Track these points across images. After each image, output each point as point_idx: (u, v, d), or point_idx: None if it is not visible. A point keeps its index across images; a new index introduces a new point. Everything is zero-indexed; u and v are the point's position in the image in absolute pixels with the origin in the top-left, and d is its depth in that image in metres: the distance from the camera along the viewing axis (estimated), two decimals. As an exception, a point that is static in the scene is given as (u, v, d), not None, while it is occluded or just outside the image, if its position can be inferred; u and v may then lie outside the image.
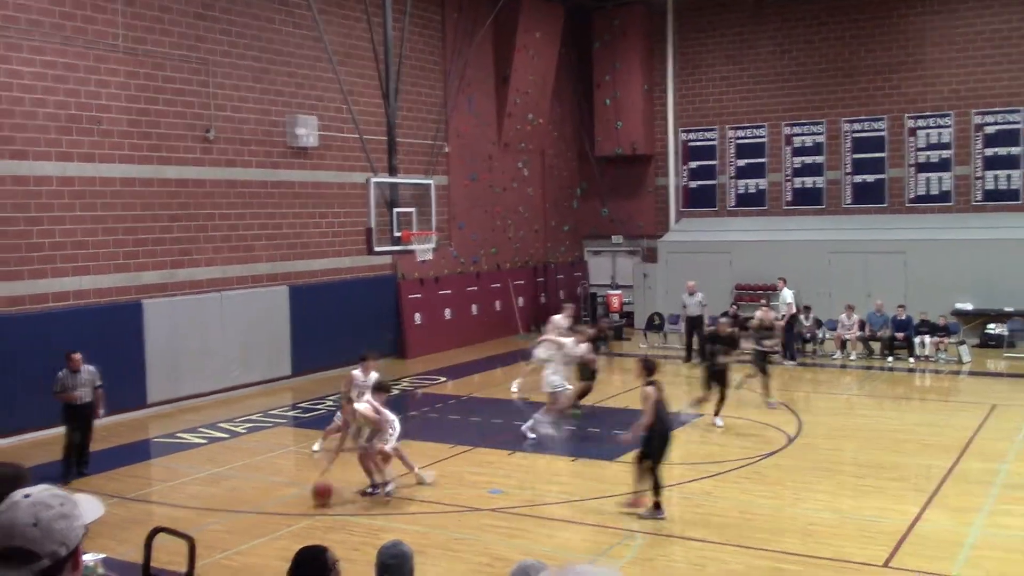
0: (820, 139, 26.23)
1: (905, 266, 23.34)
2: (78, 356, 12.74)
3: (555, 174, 28.23)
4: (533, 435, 14.44)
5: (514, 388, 17.86)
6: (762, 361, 16.92)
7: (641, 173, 28.46)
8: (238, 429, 15.54)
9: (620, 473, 12.74)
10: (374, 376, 12.96)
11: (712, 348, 15.63)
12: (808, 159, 26.42)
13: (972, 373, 19.72)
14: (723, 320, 16.39)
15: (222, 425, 15.80)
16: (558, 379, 14.76)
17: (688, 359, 21.58)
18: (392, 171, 18.80)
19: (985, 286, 22.22)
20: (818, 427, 15.16)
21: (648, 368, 11.06)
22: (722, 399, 15.27)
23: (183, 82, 17.47)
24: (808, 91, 26.16)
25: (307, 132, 19.71)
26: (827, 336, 22.37)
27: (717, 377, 15.30)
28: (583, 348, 15.52)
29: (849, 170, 25.91)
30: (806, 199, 26.42)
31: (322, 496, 11.36)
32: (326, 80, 19.83)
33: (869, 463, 12.99)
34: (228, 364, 18.10)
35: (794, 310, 21.62)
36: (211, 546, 9.71)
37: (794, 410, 16.38)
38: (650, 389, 10.81)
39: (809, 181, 26.44)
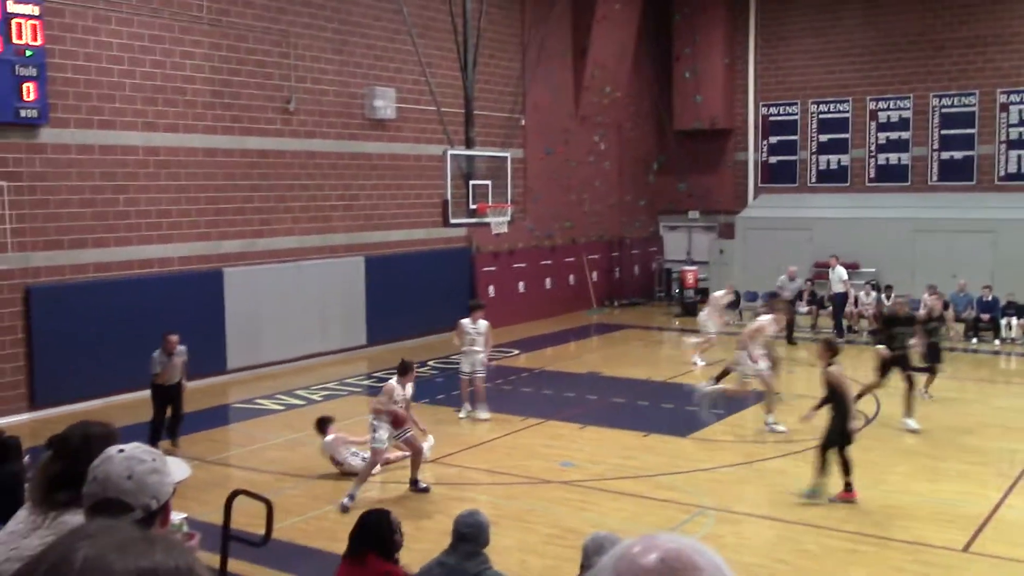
0: (906, 114, 25.52)
1: (993, 246, 22.65)
2: (175, 338, 12.43)
3: (632, 148, 27.98)
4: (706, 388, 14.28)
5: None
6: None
7: (720, 148, 28.05)
8: (314, 396, 15.81)
9: (692, 449, 12.68)
10: (483, 324, 14.01)
11: (896, 331, 14.29)
12: (893, 135, 25.74)
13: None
14: (900, 299, 15.83)
15: (299, 392, 16.09)
16: (763, 365, 13.70)
17: (790, 341, 21.34)
18: (469, 144, 18.82)
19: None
20: (897, 409, 14.84)
21: (832, 349, 10.77)
22: (911, 387, 13.77)
23: (264, 54, 17.70)
24: (895, 65, 25.45)
25: (385, 104, 19.84)
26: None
27: (900, 362, 14.02)
28: (773, 329, 14.52)
29: (936, 146, 25.18)
30: (890, 176, 25.77)
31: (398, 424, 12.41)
32: (404, 52, 19.90)
33: (950, 446, 12.70)
34: (305, 332, 18.41)
35: (848, 288, 21.34)
36: (287, 510, 9.92)
37: (873, 391, 16.04)
38: (835, 370, 10.47)
39: (894, 157, 25.77)
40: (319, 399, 15.65)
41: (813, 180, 26.86)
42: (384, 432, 10.48)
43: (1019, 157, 24.15)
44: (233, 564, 7.27)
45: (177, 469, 3.14)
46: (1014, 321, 20.49)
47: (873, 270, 23.50)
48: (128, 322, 15.33)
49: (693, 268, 25.86)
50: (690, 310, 24.87)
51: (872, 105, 25.92)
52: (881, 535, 9.36)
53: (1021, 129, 24.08)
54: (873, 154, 26.00)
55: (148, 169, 15.98)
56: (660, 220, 29.31)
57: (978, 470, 11.55)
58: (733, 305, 18.78)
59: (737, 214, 27.12)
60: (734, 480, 11.46)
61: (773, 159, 27.46)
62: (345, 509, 10.04)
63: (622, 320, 24.49)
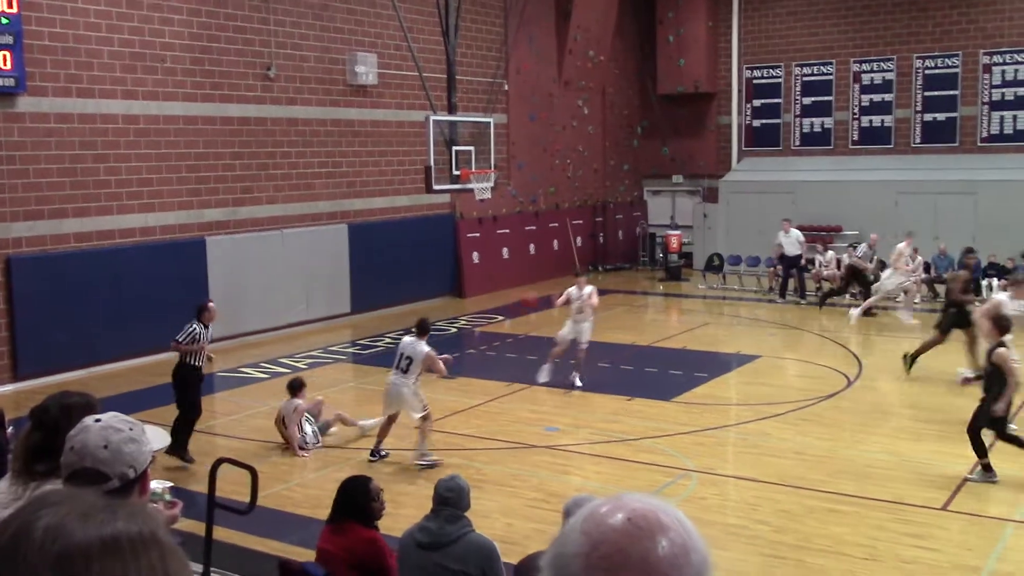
0: (890, 76, 25.52)
1: (975, 207, 22.76)
2: (214, 306, 11.24)
3: (615, 112, 27.90)
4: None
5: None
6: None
7: (703, 111, 28.01)
8: (299, 364, 15.82)
9: (675, 412, 12.78)
10: (588, 289, 14.10)
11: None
12: (876, 97, 25.75)
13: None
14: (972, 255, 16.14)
15: (283, 360, 16.10)
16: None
17: (783, 297, 21.47)
18: (451, 109, 18.76)
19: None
20: (879, 370, 14.99)
21: (1001, 327, 9.99)
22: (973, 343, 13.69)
23: (244, 20, 17.52)
24: (878, 26, 25.41)
25: (367, 70, 19.70)
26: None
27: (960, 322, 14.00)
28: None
29: (919, 108, 25.22)
30: (873, 138, 25.81)
31: (529, 303, 13.36)
32: (385, 17, 19.74)
33: (930, 407, 12.84)
34: (289, 301, 18.39)
35: (791, 251, 21.45)
36: (273, 477, 9.97)
37: (854, 352, 16.19)
38: (1004, 352, 9.76)
39: (877, 120, 25.79)
40: (304, 367, 15.66)
41: (797, 143, 26.88)
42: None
43: (1001, 118, 24.21)
44: (219, 532, 7.33)
45: (157, 438, 3.15)
46: (995, 282, 20.62)
47: (856, 233, 23.59)
48: (110, 292, 15.29)
49: (677, 232, 25.90)
50: (674, 274, 24.96)
51: (855, 67, 25.90)
52: (861, 495, 9.48)
53: (1004, 90, 24.12)
54: (856, 117, 26.01)
55: (128, 138, 15.85)
56: (644, 185, 29.30)
57: (957, 430, 11.62)
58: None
59: (721, 178, 27.14)
60: (717, 443, 11.58)
61: (757, 122, 27.44)
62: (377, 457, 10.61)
63: (606, 285, 24.52)
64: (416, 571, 5.00)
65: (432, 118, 16.93)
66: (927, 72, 25.03)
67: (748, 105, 27.48)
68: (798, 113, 26.83)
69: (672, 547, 1.38)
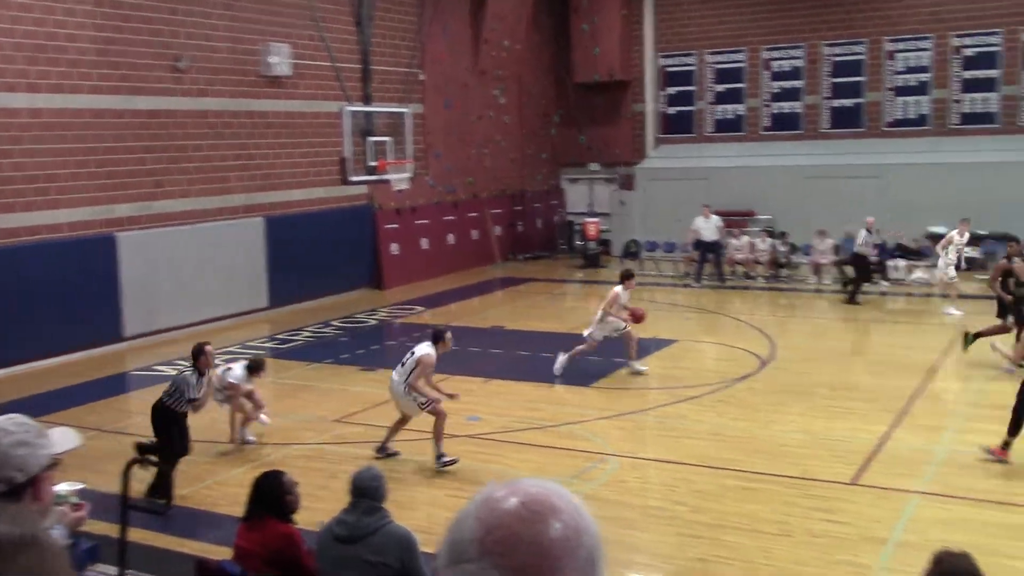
0: (799, 63, 26.08)
1: (881, 190, 23.41)
2: (211, 349, 9.99)
3: (532, 101, 28.00)
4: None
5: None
6: None
7: (618, 99, 28.27)
8: (215, 361, 15.55)
9: (596, 398, 12.93)
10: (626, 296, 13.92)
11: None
12: (786, 84, 26.30)
13: (943, 296, 19.88)
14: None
15: (200, 357, 15.81)
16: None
17: (698, 281, 21.78)
18: (366, 99, 18.64)
19: (960, 209, 22.27)
20: (792, 351, 15.35)
21: None
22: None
23: (150, 9, 17.13)
24: (787, 15, 25.93)
25: (280, 60, 19.43)
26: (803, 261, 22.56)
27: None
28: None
29: (827, 94, 25.83)
30: (784, 124, 26.36)
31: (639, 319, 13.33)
32: (298, 7, 19.49)
33: (841, 385, 13.20)
34: (204, 296, 18.09)
35: (708, 236, 21.80)
36: (191, 476, 9.83)
37: (768, 334, 16.55)
38: None
39: (787, 106, 26.35)
40: (220, 363, 15.41)
41: (710, 130, 27.31)
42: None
43: (905, 103, 24.93)
44: (135, 533, 7.22)
45: (63, 440, 3.10)
46: (901, 263, 21.28)
47: (769, 217, 24.09)
48: (17, 292, 14.85)
49: (595, 220, 26.15)
50: (593, 261, 25.19)
51: (766, 55, 26.40)
52: (774, 472, 9.73)
53: (907, 76, 24.84)
54: (767, 103, 26.53)
55: (32, 132, 15.39)
56: (562, 173, 29.48)
57: (867, 407, 12.03)
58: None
59: (637, 165, 27.45)
60: (635, 426, 11.76)
61: (671, 110, 27.80)
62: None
63: (526, 273, 24.68)
64: (335, 564, 4.99)
65: (347, 109, 16.80)
66: (834, 59, 25.64)
67: (662, 93, 27.82)
68: (711, 100, 27.25)
69: (565, 530, 1.42)
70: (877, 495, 9.18)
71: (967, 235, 18.29)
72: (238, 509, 8.21)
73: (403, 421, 10.48)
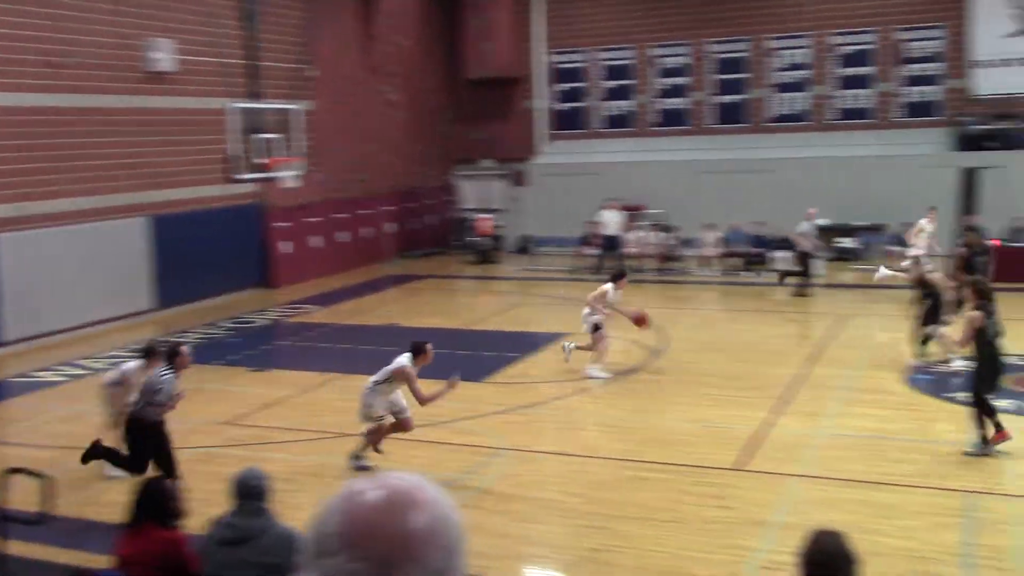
0: (685, 61, 26.64)
1: (764, 184, 24.09)
2: (187, 350, 9.35)
3: (424, 98, 27.91)
4: None
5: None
6: None
7: (510, 96, 28.41)
8: (99, 365, 15.12)
9: (488, 392, 12.99)
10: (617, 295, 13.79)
11: (980, 260, 15.10)
12: (673, 81, 26.84)
13: (825, 285, 20.60)
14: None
15: (82, 362, 15.36)
16: None
17: (598, 274, 21.97)
18: (254, 96, 18.34)
19: (839, 202, 23.13)
20: (681, 342, 15.69)
21: (981, 292, 10.01)
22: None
23: (26, 2, 16.49)
24: (673, 13, 26.45)
25: (164, 56, 18.93)
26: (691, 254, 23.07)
27: None
28: None
29: (713, 91, 26.45)
30: (672, 120, 26.89)
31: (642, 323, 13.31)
32: (183, 1, 19.01)
33: (728, 374, 13.54)
34: (88, 299, 17.53)
35: (613, 231, 22.18)
36: (72, 486, 9.52)
37: (658, 326, 16.86)
38: (979, 315, 9.77)
39: (675, 103, 26.89)
40: (105, 367, 14.98)
41: (601, 126, 27.67)
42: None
43: (786, 100, 25.72)
44: (15, 546, 6.98)
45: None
46: (784, 254, 21.91)
47: (661, 211, 24.54)
48: None
49: (487, 216, 26.25)
50: (486, 257, 25.29)
51: (652, 52, 26.89)
52: (665, 461, 9.94)
53: (788, 73, 25.63)
54: (655, 100, 27.02)
55: None
56: (455, 169, 29.47)
57: (752, 394, 12.38)
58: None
59: (529, 161, 27.64)
60: (529, 420, 11.85)
61: (563, 106, 28.08)
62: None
63: (419, 271, 24.63)
64: (221, 569, 4.91)
65: (234, 105, 16.49)
66: (718, 56, 26.27)
67: (554, 89, 28.07)
68: (601, 97, 27.62)
69: (426, 521, 1.46)
70: (762, 480, 9.47)
71: (936, 224, 18.79)
72: (121, 517, 8.02)
73: (393, 427, 10.03)
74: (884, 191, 22.48)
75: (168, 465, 8.88)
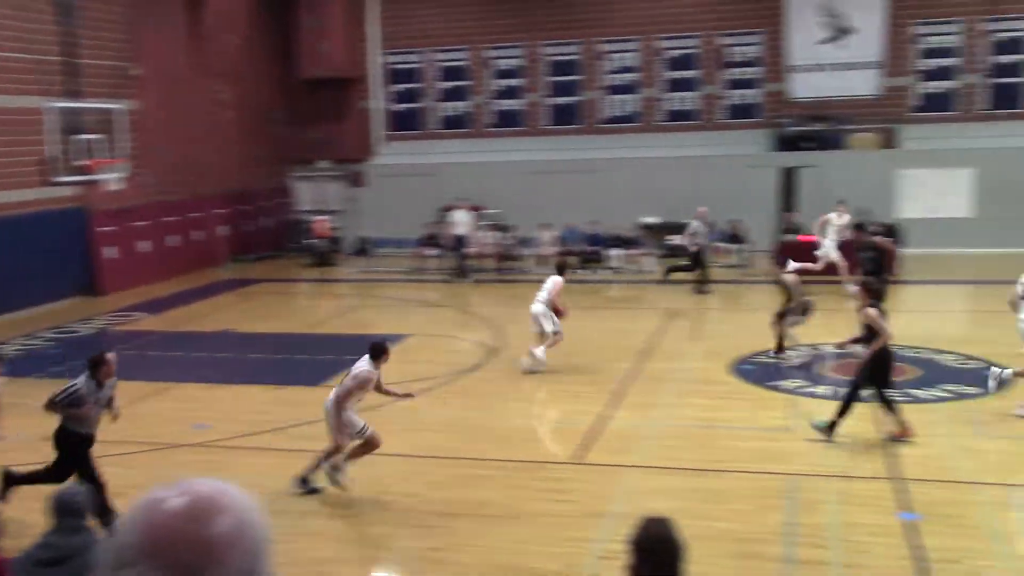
0: (519, 63, 26.99)
1: (598, 184, 24.67)
2: (113, 357, 8.89)
3: (257, 97, 27.24)
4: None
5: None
6: None
7: (346, 96, 28.09)
8: None
9: (323, 398, 12.76)
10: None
11: (865, 257, 15.78)
12: (508, 82, 27.15)
13: (656, 282, 21.26)
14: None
15: None
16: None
17: (463, 276, 21.87)
18: (73, 95, 17.48)
19: (668, 200, 23.91)
20: (519, 340, 15.85)
21: (872, 291, 10.46)
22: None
23: None
24: (507, 15, 26.75)
25: (-31, 52, 17.80)
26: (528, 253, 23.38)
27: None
28: None
29: (546, 93, 26.89)
30: (507, 121, 27.19)
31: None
32: (-12, -7, 17.94)
33: (565, 370, 13.78)
34: None
35: (463, 231, 22.37)
36: None
37: (497, 325, 17.04)
38: (873, 311, 10.10)
39: (510, 104, 27.19)
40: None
41: (438, 127, 27.71)
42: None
43: (616, 102, 26.41)
44: None
45: None
46: (617, 252, 22.52)
47: (498, 211, 24.75)
48: None
49: (324, 218, 25.88)
50: (323, 260, 24.93)
51: (487, 54, 27.12)
52: (503, 458, 10.04)
53: (619, 76, 26.33)
54: (490, 101, 27.26)
55: None
56: (290, 171, 28.90)
57: (589, 389, 12.66)
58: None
59: (367, 162, 27.41)
60: (369, 422, 11.72)
61: (399, 107, 27.96)
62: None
63: (255, 275, 24.05)
64: (39, 590, 4.67)
65: (51, 104, 15.68)
66: (552, 59, 26.74)
67: (390, 90, 27.93)
68: (438, 98, 27.66)
69: (229, 526, 1.43)
70: (599, 472, 9.70)
71: (846, 217, 19.08)
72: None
73: (363, 448, 9.42)
74: (711, 190, 23.36)
75: (90, 477, 8.38)
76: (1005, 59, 24.06)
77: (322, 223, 25.52)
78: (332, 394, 9.36)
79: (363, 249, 25.13)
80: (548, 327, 13.65)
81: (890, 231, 19.86)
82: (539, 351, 13.56)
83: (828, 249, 18.75)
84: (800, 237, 20.27)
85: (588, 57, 26.49)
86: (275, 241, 27.46)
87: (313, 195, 28.39)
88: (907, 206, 22.93)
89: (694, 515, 7.61)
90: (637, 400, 12.12)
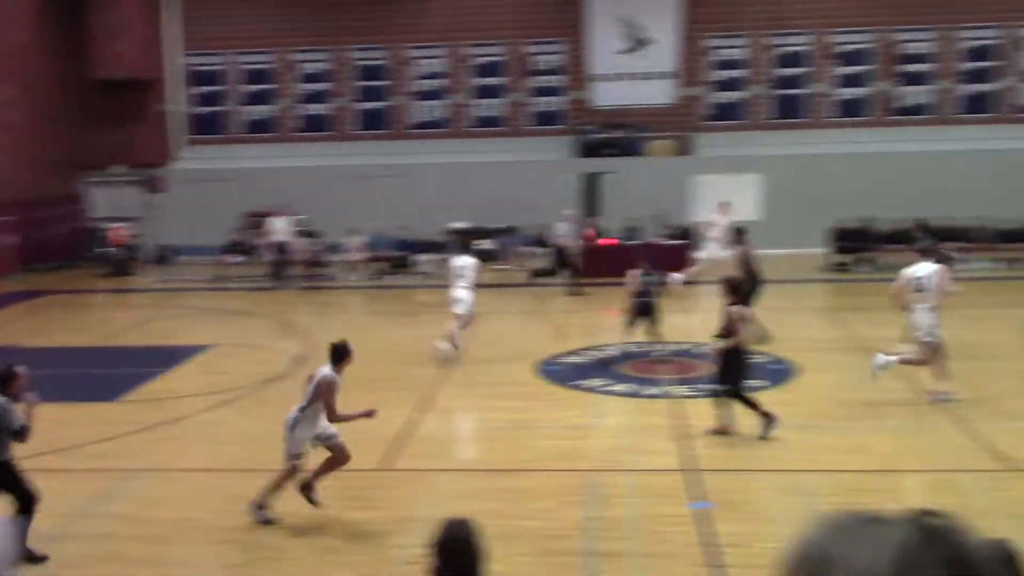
0: (326, 67, 26.66)
1: (407, 189, 24.67)
2: (24, 372, 8.19)
3: (45, 99, 25.72)
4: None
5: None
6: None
7: (143, 99, 26.96)
8: None
9: (123, 412, 12.27)
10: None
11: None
12: (315, 86, 26.78)
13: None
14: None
15: None
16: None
17: (283, 283, 21.19)
18: None
19: (476, 206, 24.18)
20: (323, 348, 15.62)
21: (735, 288, 10.61)
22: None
23: None
24: (313, 19, 26.37)
25: None
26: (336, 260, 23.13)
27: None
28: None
29: (354, 98, 26.69)
30: (314, 126, 26.83)
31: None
32: None
33: (375, 377, 13.61)
34: None
35: (282, 238, 22.04)
36: None
37: (304, 333, 16.77)
38: (736, 310, 10.26)
39: (317, 108, 26.83)
40: None
41: (242, 131, 27.01)
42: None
43: (425, 107, 26.55)
44: None
45: None
46: (427, 257, 22.59)
47: (305, 217, 24.32)
48: None
49: (121, 225, 24.75)
50: (120, 269, 23.84)
51: (293, 57, 26.67)
52: (309, 468, 9.88)
53: (427, 82, 26.44)
54: (295, 105, 26.83)
55: None
56: (83, 176, 27.46)
57: (397, 395, 12.61)
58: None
59: (167, 167, 26.40)
60: (170, 437, 11.33)
61: (201, 111, 27.09)
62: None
63: (46, 285, 22.74)
64: None
65: None
66: (360, 63, 26.57)
67: (191, 93, 27.01)
68: (242, 101, 26.97)
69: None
70: (409, 477, 9.73)
71: (727, 219, 19.18)
72: None
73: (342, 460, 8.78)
74: (517, 195, 23.80)
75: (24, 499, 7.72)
76: (788, 72, 25.68)
77: (118, 231, 24.38)
78: (294, 410, 8.75)
79: (163, 257, 24.17)
80: (469, 309, 14.43)
81: (686, 233, 20.83)
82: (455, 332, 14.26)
83: (712, 250, 19.26)
84: (602, 241, 20.94)
85: (396, 62, 26.48)
86: (69, 250, 26.01)
87: (109, 201, 27.09)
88: (701, 210, 24.07)
89: (500, 515, 7.75)
90: (446, 404, 12.21)
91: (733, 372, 10.33)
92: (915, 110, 25.56)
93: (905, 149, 24.05)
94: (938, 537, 1.25)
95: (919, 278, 11.56)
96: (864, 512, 1.30)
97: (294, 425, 8.55)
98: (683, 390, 12.55)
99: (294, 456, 8.53)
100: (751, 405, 10.40)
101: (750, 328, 10.55)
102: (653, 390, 12.64)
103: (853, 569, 1.23)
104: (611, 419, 11.55)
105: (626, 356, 14.32)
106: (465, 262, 14.69)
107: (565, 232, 20.55)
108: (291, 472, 8.56)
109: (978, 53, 25.32)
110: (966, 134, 24.67)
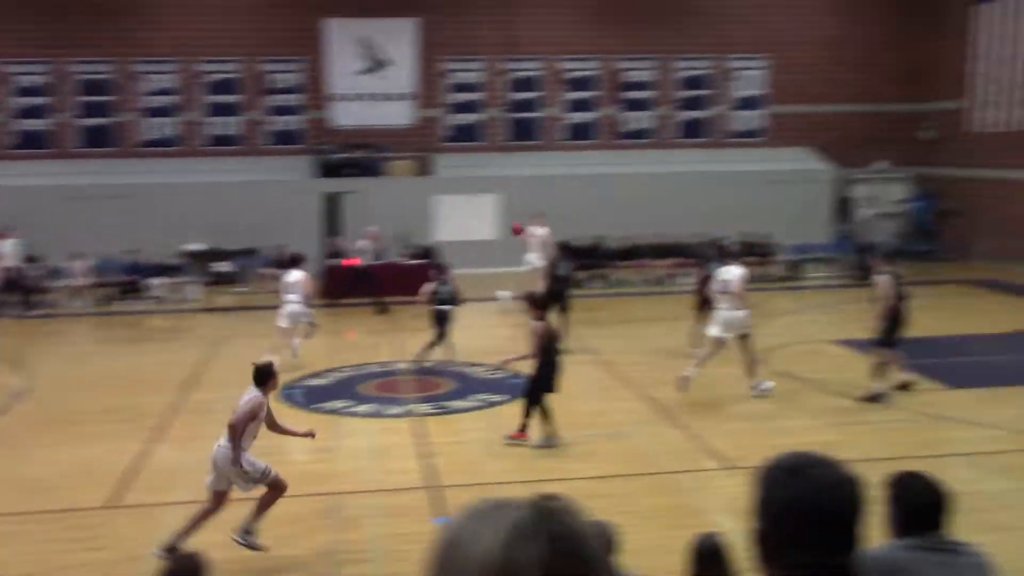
0: (44, 80, 25.00)
1: (138, 210, 23.46)
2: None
3: None
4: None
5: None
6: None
7: None
8: None
9: None
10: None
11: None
12: (31, 100, 25.05)
13: (202, 310, 20.71)
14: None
15: None
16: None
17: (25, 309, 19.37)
18: None
19: (213, 227, 23.38)
20: (50, 380, 14.66)
21: (539, 304, 11.25)
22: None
23: None
24: (29, 28, 24.65)
25: None
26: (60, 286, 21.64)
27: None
28: None
29: (77, 113, 25.16)
30: (32, 143, 25.18)
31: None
32: None
33: (100, 409, 12.96)
34: None
35: (12, 263, 20.52)
36: None
37: (21, 364, 15.58)
38: (540, 325, 10.84)
39: (34, 124, 25.12)
40: None
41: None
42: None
43: (155, 125, 25.44)
44: None
45: None
46: (160, 281, 21.58)
47: (24, 240, 22.57)
48: None
49: None
50: None
51: (7, 69, 24.85)
52: (28, 510, 9.21)
53: (156, 98, 25.35)
54: (11, 120, 24.97)
55: None
56: None
57: (127, 427, 12.00)
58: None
59: None
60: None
61: None
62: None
63: None
64: None
65: None
66: (82, 77, 25.10)
67: None
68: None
69: None
70: (137, 513, 9.25)
71: (544, 229, 19.56)
72: None
73: (219, 500, 8.14)
74: (255, 216, 23.23)
75: None
76: (522, 96, 26.63)
77: None
78: (222, 439, 8.16)
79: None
80: (308, 320, 15.10)
81: (428, 252, 21.08)
82: (296, 343, 14.90)
83: (532, 260, 19.57)
84: (344, 261, 20.83)
85: (123, 77, 25.19)
86: None
87: None
88: (442, 229, 24.46)
89: (231, 546, 7.51)
90: (181, 434, 11.70)
91: (540, 383, 10.82)
92: (638, 134, 27.21)
93: (630, 171, 25.53)
94: (548, 516, 1.43)
95: (724, 280, 12.88)
96: (497, 499, 1.48)
97: (240, 458, 8.04)
98: (425, 408, 12.70)
99: (262, 476, 8.14)
100: (543, 415, 10.89)
101: (537, 343, 10.97)
102: (395, 409, 12.70)
103: (477, 545, 1.40)
104: (354, 440, 11.52)
105: (368, 376, 14.32)
106: (295, 277, 14.94)
107: (364, 248, 20.47)
108: (276, 488, 8.23)
109: (693, 82, 27.33)
110: (684, 157, 26.54)
